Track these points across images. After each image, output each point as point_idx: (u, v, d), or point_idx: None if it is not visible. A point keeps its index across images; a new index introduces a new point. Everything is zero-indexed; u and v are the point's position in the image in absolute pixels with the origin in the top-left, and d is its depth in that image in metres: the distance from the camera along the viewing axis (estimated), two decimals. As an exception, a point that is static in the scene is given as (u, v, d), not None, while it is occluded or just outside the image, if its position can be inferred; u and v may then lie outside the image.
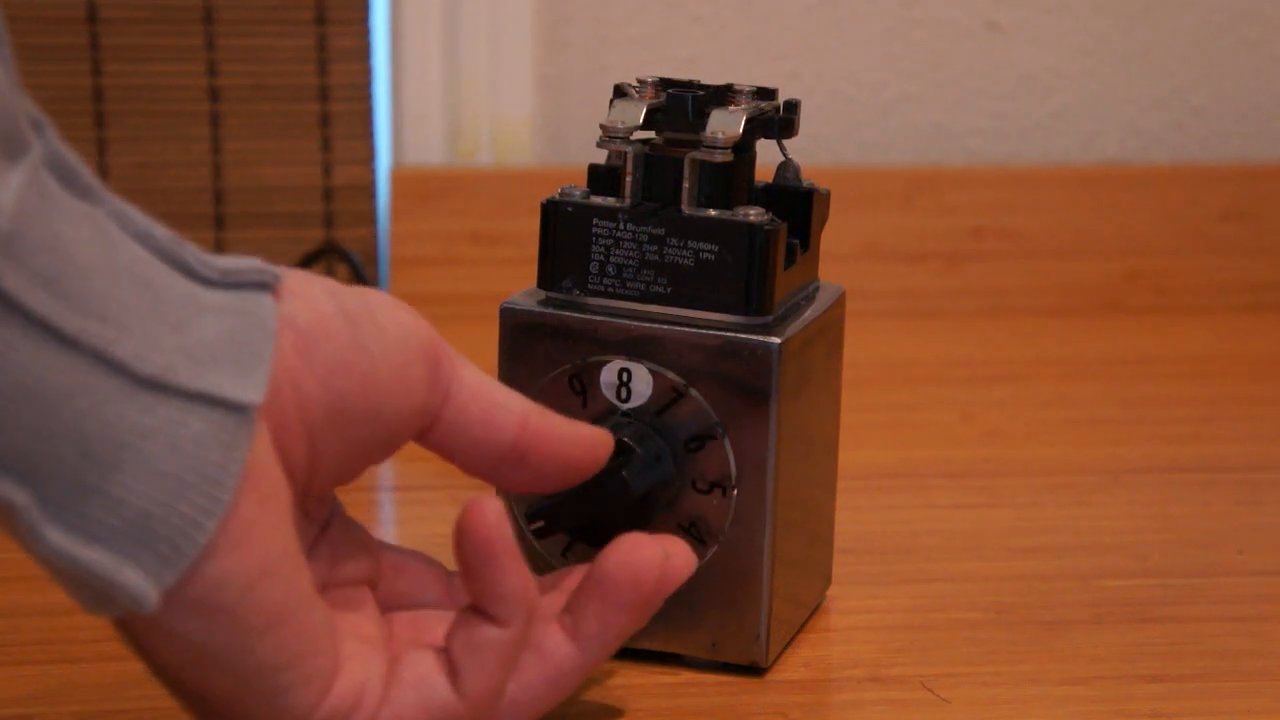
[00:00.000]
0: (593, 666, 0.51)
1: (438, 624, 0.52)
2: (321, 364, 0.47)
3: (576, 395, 0.59)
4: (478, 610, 0.49)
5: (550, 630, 0.51)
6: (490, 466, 0.52)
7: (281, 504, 0.46)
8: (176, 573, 0.44)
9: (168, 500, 0.43)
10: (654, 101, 0.60)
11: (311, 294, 0.48)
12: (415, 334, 0.50)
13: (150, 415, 0.43)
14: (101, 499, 0.43)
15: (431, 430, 0.51)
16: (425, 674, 0.49)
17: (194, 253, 0.46)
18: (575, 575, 0.53)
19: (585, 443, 0.53)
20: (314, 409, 0.47)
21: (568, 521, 0.57)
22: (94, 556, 0.43)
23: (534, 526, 0.58)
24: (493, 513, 0.48)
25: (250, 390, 0.44)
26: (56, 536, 0.43)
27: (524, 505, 0.59)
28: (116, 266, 0.43)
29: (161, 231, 0.45)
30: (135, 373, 0.43)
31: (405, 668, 0.49)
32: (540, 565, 0.61)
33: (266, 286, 0.46)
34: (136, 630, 0.46)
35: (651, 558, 0.51)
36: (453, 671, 0.49)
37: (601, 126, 0.59)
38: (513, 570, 0.49)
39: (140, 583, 0.43)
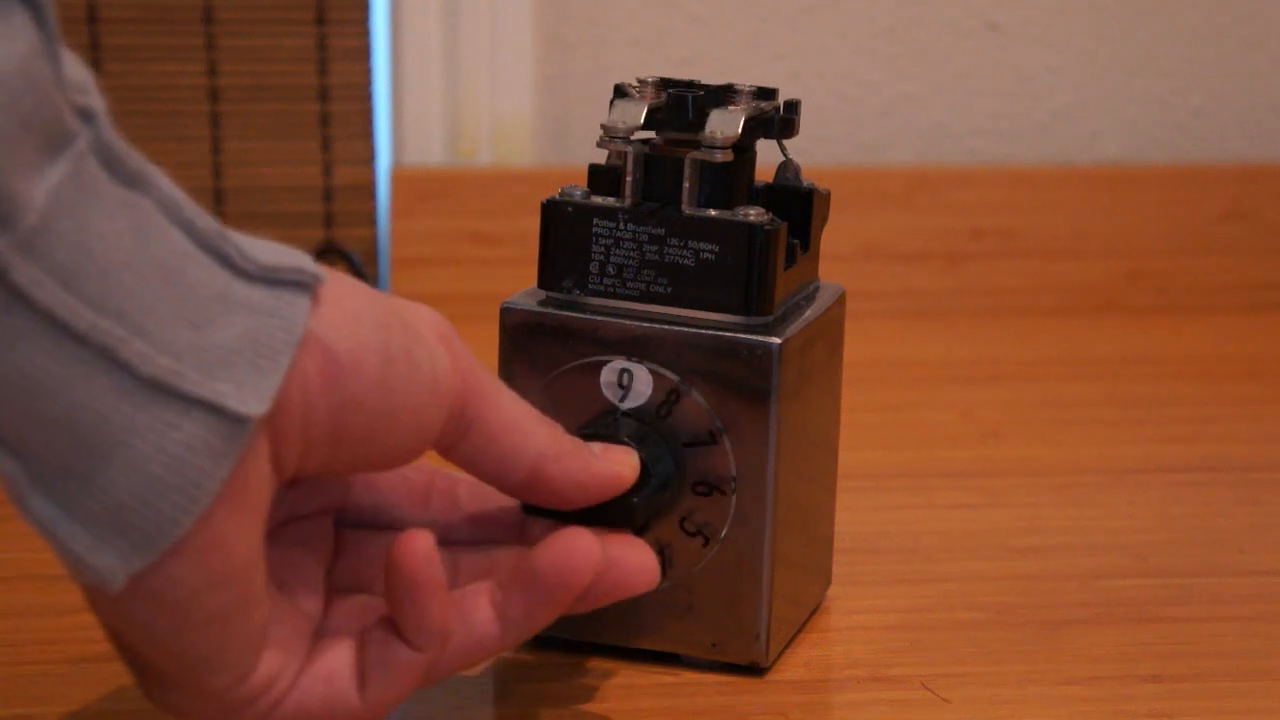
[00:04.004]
0: (512, 645, 0.52)
1: (384, 555, 0.53)
2: (341, 396, 0.47)
3: (577, 395, 0.59)
4: (396, 627, 0.50)
5: (480, 601, 0.51)
6: (504, 492, 0.54)
7: (257, 515, 0.47)
8: (144, 563, 0.45)
9: (148, 498, 0.44)
10: (654, 101, 0.60)
11: (359, 317, 0.47)
12: (446, 382, 0.50)
13: (145, 414, 0.43)
14: (85, 485, 0.44)
15: (447, 455, 0.52)
16: (337, 671, 0.50)
17: (236, 244, 0.46)
18: (521, 551, 0.54)
19: (597, 486, 0.54)
20: (319, 431, 0.47)
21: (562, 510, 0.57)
22: (71, 532, 0.44)
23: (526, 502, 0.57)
24: (422, 548, 0.49)
25: (254, 401, 0.45)
26: (40, 506, 0.44)
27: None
28: (147, 260, 0.44)
29: (206, 221, 0.45)
30: (138, 373, 0.43)
31: (321, 657, 0.50)
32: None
33: (305, 288, 0.46)
34: (90, 587, 0.47)
35: (583, 564, 0.51)
36: (361, 676, 0.50)
37: (602, 127, 0.59)
38: (434, 605, 0.49)
39: (109, 565, 0.44)
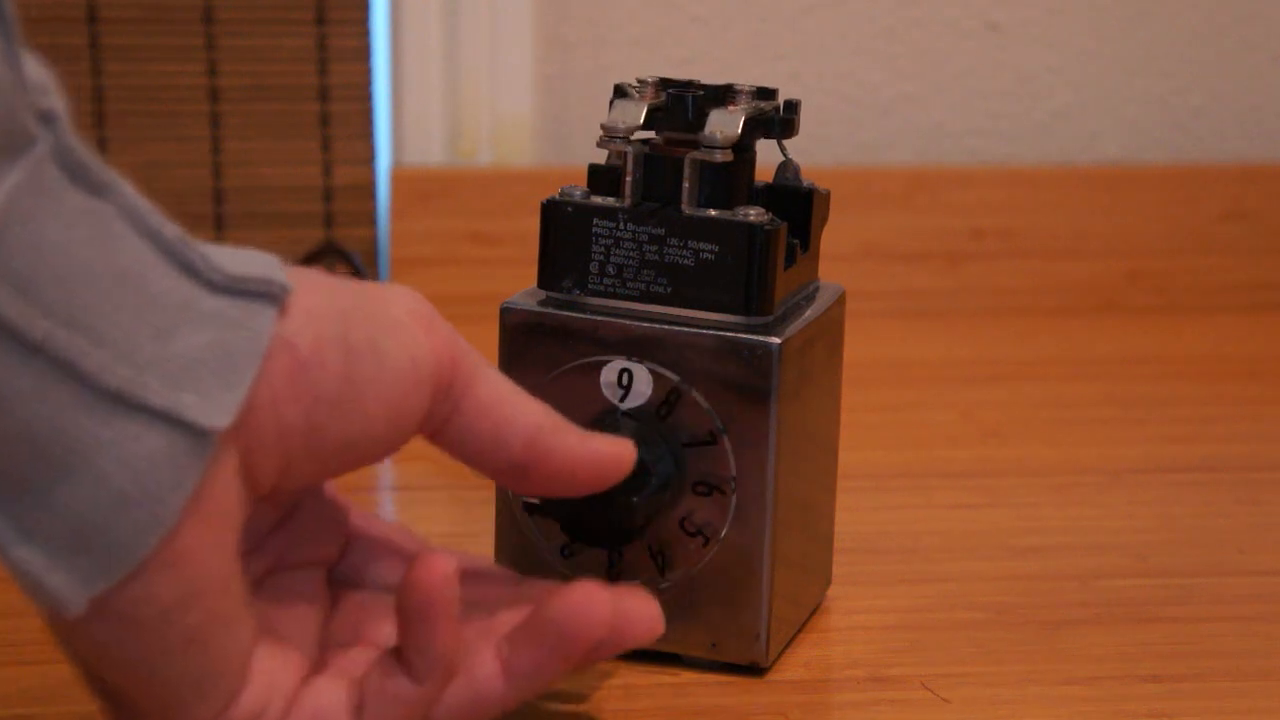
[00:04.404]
0: (518, 702, 0.50)
1: (386, 613, 0.52)
2: (308, 394, 0.46)
3: (577, 395, 0.59)
4: (400, 657, 0.49)
5: (484, 657, 0.50)
6: (494, 475, 0.52)
7: (227, 528, 0.45)
8: (107, 584, 0.43)
9: (110, 513, 0.43)
10: (654, 101, 0.60)
11: (320, 314, 0.46)
12: (424, 362, 0.48)
13: (107, 428, 0.42)
14: (44, 501, 0.42)
15: (436, 438, 0.51)
16: (326, 708, 0.48)
17: (202, 253, 0.44)
18: (523, 609, 0.52)
19: (594, 464, 0.52)
20: (293, 436, 0.46)
21: (561, 508, 0.57)
22: (25, 555, 0.43)
23: (526, 500, 0.57)
24: (442, 572, 0.48)
25: (219, 414, 0.43)
26: None
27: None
28: (109, 268, 0.43)
29: (171, 230, 0.44)
30: (98, 384, 0.42)
31: (310, 695, 0.49)
32: (537, 562, 0.61)
33: (273, 299, 0.45)
34: (56, 614, 0.45)
35: (599, 616, 0.50)
36: (358, 709, 0.49)
37: (602, 126, 0.59)
38: (443, 632, 0.48)
39: (66, 589, 0.43)
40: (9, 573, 0.44)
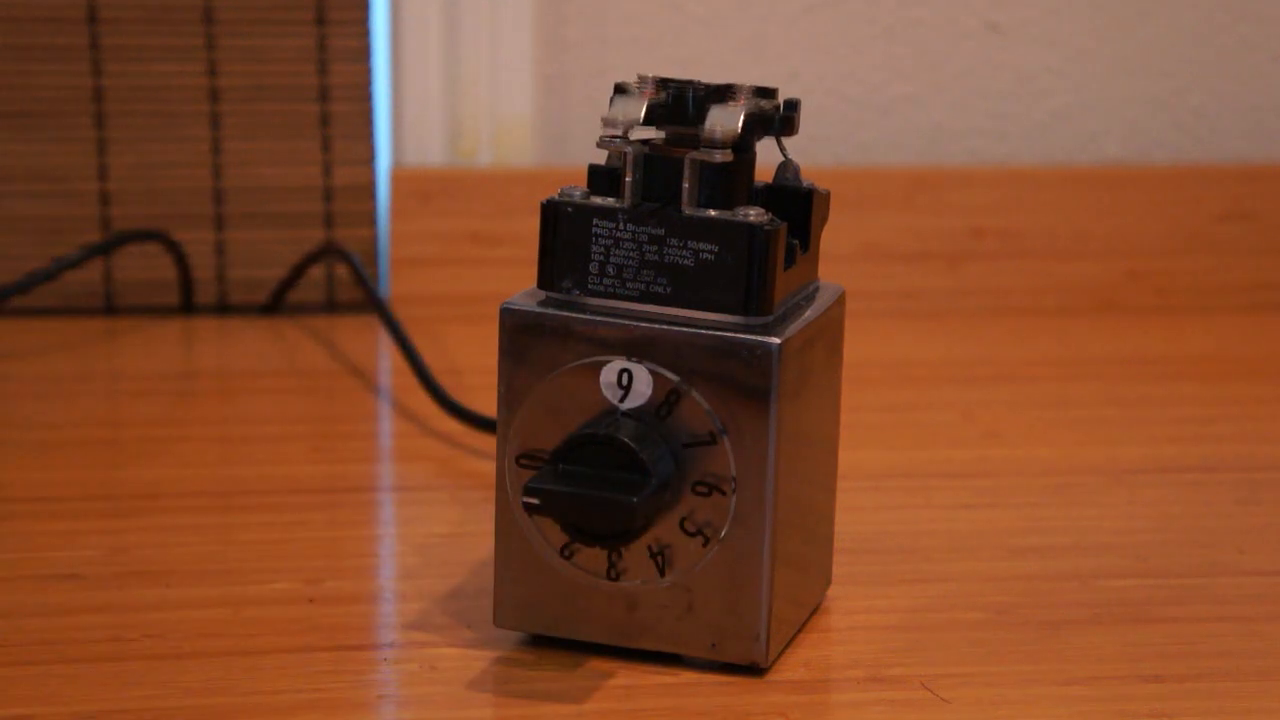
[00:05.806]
0: None
1: None
2: None
3: (577, 395, 0.59)
4: None
5: None
6: None
7: None
8: None
9: None
10: (654, 99, 0.60)
11: None
12: None
13: None
14: None
15: None
16: None
17: None
18: None
19: None
20: None
21: (561, 508, 0.57)
22: None
23: (526, 500, 0.57)
24: None
25: None
26: None
27: (525, 455, 0.59)
28: None
29: None
30: None
31: None
32: (537, 562, 0.61)
33: None
34: None
35: None
36: None
37: (603, 120, 0.59)
38: None
39: None
40: None
